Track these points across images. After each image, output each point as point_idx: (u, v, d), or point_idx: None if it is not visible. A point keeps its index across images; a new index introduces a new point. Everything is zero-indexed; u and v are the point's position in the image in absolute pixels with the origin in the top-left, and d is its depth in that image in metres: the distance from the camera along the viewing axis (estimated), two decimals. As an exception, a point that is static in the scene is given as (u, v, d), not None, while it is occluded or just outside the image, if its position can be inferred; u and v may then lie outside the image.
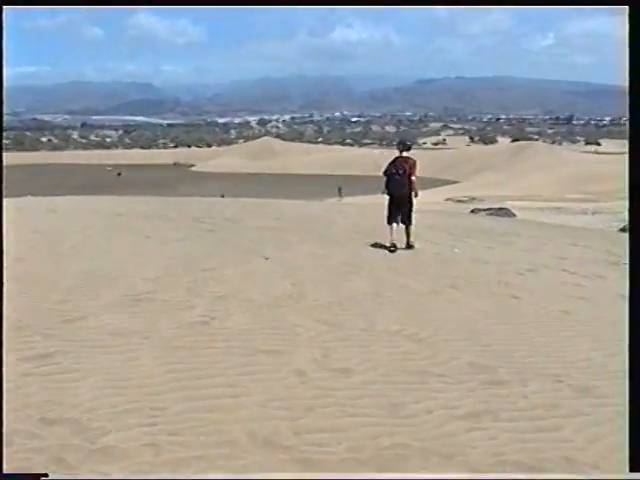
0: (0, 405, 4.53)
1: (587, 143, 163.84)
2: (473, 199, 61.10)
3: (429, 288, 10.04)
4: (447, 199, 61.05)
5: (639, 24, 4.53)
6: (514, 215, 37.68)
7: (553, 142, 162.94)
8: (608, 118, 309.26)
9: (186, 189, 76.52)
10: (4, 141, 5.57)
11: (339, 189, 67.66)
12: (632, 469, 4.43)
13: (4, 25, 4.74)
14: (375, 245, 13.70)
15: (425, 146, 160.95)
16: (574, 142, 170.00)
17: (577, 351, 7.28)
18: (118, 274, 9.98)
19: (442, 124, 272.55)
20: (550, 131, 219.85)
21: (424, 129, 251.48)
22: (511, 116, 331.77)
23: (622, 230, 32.33)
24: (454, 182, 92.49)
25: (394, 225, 13.38)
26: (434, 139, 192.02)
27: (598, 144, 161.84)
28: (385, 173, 13.44)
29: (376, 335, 7.47)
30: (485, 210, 38.89)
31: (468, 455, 4.85)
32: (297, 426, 5.17)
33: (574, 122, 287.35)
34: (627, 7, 4.57)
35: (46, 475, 4.17)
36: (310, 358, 6.60)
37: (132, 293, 8.90)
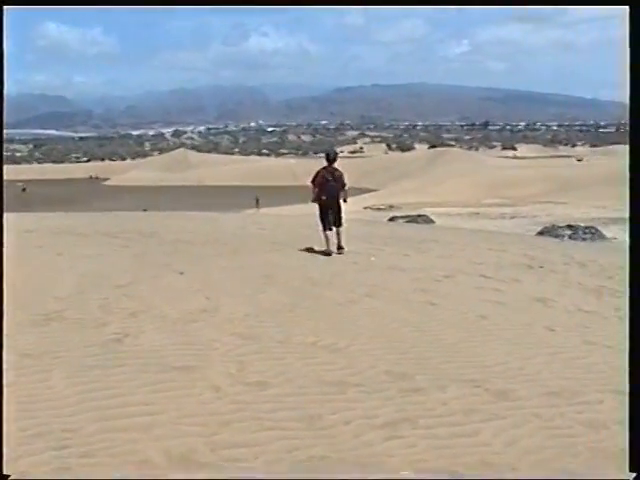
0: (0, 406, 4.60)
1: (503, 148, 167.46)
2: (391, 207, 61.79)
3: (346, 297, 10.10)
4: (365, 207, 61.56)
5: (639, 24, 4.65)
6: (433, 222, 38.22)
7: (470, 148, 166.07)
8: (523, 123, 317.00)
9: (100, 204, 75.52)
10: None
11: (256, 200, 67.63)
12: (632, 469, 4.55)
13: (4, 25, 4.84)
14: (291, 256, 13.75)
15: (342, 155, 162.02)
16: (491, 147, 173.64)
17: (494, 355, 7.42)
18: (28, 293, 9.76)
19: (359, 132, 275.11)
20: (467, 137, 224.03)
21: (341, 137, 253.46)
22: (427, 123, 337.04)
23: (540, 233, 33.15)
24: (372, 190, 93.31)
25: (328, 232, 14.14)
26: (351, 147, 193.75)
27: (514, 149, 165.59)
28: (314, 181, 14.15)
29: (292, 347, 7.48)
30: (403, 217, 39.32)
31: (386, 464, 4.89)
32: (213, 442, 5.14)
33: (490, 128, 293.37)
34: (627, 7, 4.71)
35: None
36: (225, 372, 6.57)
37: (42, 312, 8.71)
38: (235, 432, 5.32)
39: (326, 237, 14.23)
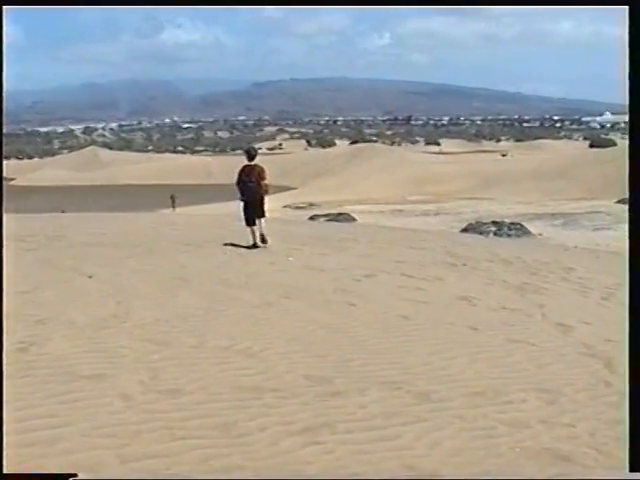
0: (0, 405, 4.68)
1: (427, 143, 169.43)
2: (312, 205, 61.94)
3: (262, 299, 10.09)
4: (285, 206, 61.55)
5: (639, 24, 4.75)
6: (354, 220, 38.46)
7: (392, 143, 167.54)
8: (447, 118, 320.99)
9: (5, 205, 73.66)
10: None
11: (172, 199, 66.90)
12: (632, 469, 4.67)
13: (4, 25, 5.00)
14: (206, 257, 13.67)
15: (261, 152, 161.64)
16: (414, 143, 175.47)
17: (416, 356, 7.50)
18: None
19: (278, 128, 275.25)
20: (389, 132, 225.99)
21: (259, 134, 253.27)
22: (349, 118, 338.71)
23: (464, 230, 33.65)
24: (292, 188, 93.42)
25: (253, 227, 15.07)
26: (270, 144, 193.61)
27: (438, 144, 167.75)
28: (238, 183, 15.20)
29: (207, 352, 7.43)
30: (324, 216, 39.52)
31: (304, 472, 4.89)
32: (124, 454, 5.06)
33: (413, 122, 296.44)
34: (627, 7, 4.81)
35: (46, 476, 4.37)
36: (136, 380, 6.48)
37: None
38: (146, 443, 5.26)
39: (251, 231, 15.07)
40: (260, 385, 6.47)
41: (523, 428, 5.79)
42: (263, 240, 15.03)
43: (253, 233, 15.07)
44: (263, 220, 15.14)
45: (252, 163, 15.23)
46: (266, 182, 15.23)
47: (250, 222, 15.13)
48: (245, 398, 6.17)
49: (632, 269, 4.94)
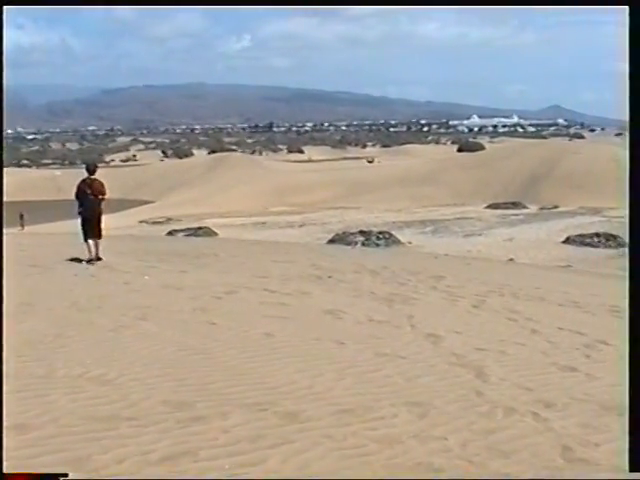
0: (0, 405, 4.20)
1: (290, 151, 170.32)
2: (170, 219, 61.32)
3: (117, 322, 9.93)
4: (141, 221, 60.78)
5: (639, 24, 4.84)
6: (215, 234, 38.35)
7: (253, 152, 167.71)
8: (310, 124, 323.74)
9: None
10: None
11: (21, 216, 64.89)
12: (632, 469, 4.80)
13: (4, 25, 5.21)
14: (54, 279, 13.37)
15: (113, 164, 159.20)
16: (276, 151, 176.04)
17: (281, 375, 7.53)
18: None
19: (131, 138, 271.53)
20: (250, 140, 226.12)
21: (111, 144, 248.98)
22: (207, 126, 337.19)
23: (331, 241, 34.02)
24: (148, 202, 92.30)
25: (90, 241, 15.53)
26: (123, 155, 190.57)
27: (301, 152, 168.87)
28: (77, 195, 15.81)
29: (56, 382, 7.26)
30: (183, 231, 39.25)
31: (164, 504, 4.86)
32: (-36, 500, 4.90)
33: (275, 130, 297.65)
34: (627, 7, 4.90)
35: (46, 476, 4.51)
36: (-23, 418, 6.28)
37: None
38: (-11, 484, 5.10)
39: (87, 246, 15.58)
40: (115, 414, 6.36)
41: (395, 444, 5.89)
42: (98, 259, 15.50)
43: (89, 248, 15.56)
44: (99, 241, 15.71)
45: (92, 177, 15.82)
46: (104, 197, 15.88)
47: (87, 238, 15.65)
48: (99, 429, 6.05)
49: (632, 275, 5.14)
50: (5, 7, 5.16)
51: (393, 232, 36.63)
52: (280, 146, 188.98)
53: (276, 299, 11.86)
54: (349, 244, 31.87)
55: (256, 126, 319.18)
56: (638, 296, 5.13)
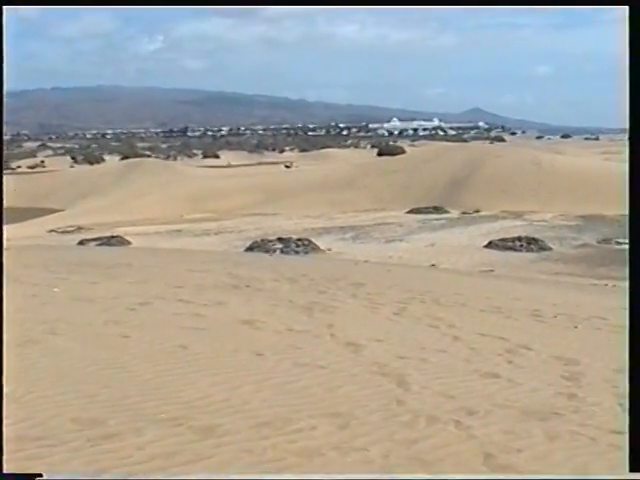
0: (0, 405, 4.27)
1: (205, 156, 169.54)
2: (81, 228, 60.43)
3: (23, 337, 9.74)
4: (50, 230, 59.76)
5: (639, 24, 4.92)
6: (129, 243, 37.94)
7: (168, 157, 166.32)
8: (226, 128, 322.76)
9: None
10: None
11: None
12: (632, 469, 4.90)
13: (4, 25, 5.38)
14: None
15: (20, 170, 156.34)
16: (191, 156, 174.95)
17: (197, 388, 7.49)
18: None
19: (39, 143, 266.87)
20: (164, 145, 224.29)
21: (17, 150, 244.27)
22: (119, 131, 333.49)
23: (249, 249, 33.95)
24: (57, 210, 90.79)
25: None
26: (30, 161, 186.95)
27: (217, 157, 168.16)
28: None
29: (-41, 401, 7.11)
30: (95, 240, 38.75)
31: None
32: None
33: (189, 134, 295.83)
34: (627, 7, 4.98)
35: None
36: None
37: None
38: None
39: None
40: (22, 434, 6.25)
41: (315, 457, 5.91)
42: None
43: None
44: None
45: None
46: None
47: None
48: (6, 450, 5.94)
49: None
50: (5, 7, 5.31)
51: (312, 239, 36.69)
52: (195, 151, 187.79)
53: (191, 310, 11.80)
54: (267, 252, 31.86)
55: (170, 131, 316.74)
56: (638, 296, 5.27)
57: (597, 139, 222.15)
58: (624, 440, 6.49)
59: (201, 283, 14.72)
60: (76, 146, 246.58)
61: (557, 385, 8.37)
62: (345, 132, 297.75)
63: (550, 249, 35.25)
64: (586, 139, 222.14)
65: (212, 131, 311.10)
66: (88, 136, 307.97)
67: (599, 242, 38.13)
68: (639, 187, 5.31)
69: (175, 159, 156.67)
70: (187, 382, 7.72)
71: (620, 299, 18.43)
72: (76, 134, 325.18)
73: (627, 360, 5.28)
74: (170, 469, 5.60)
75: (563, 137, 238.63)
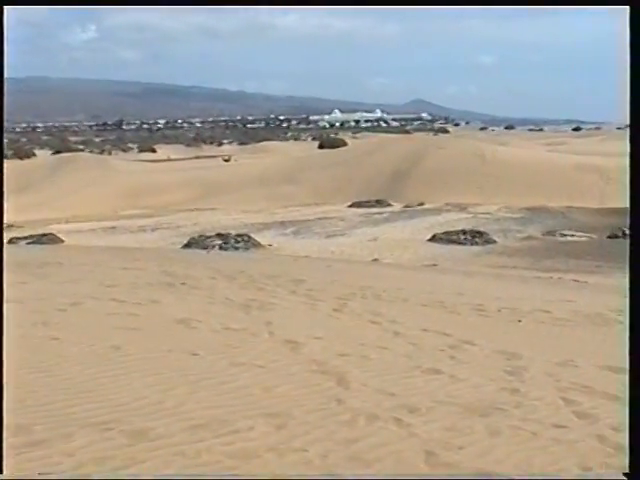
0: (0, 405, 4.16)
1: (141, 150, 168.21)
2: (11, 226, 59.65)
3: (-53, 340, 9.62)
4: (-22, 229, 58.96)
5: (639, 24, 4.96)
6: (61, 241, 37.54)
7: (102, 152, 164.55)
8: (163, 121, 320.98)
9: None
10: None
11: None
12: (632, 469, 4.99)
13: (4, 25, 5.37)
14: None
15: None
16: (126, 150, 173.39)
17: (129, 391, 7.42)
18: None
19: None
20: (98, 139, 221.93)
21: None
22: (50, 124, 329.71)
23: (187, 245, 33.79)
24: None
25: None
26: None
27: (154, 151, 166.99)
28: None
29: None
30: (25, 238, 38.28)
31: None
32: None
33: (124, 127, 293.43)
34: (627, 7, 5.00)
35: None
36: None
37: None
38: None
39: None
40: (-56, 443, 6.15)
41: (251, 459, 5.89)
42: None
43: None
44: None
45: None
46: None
47: None
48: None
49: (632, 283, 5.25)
50: (5, 7, 5.33)
51: (252, 234, 36.62)
52: (131, 145, 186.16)
53: (125, 309, 11.70)
54: (205, 248, 31.72)
55: (104, 124, 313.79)
56: (638, 296, 5.31)
57: (541, 130, 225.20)
58: (565, 434, 6.59)
59: (135, 281, 14.61)
60: (5, 140, 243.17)
61: (500, 380, 8.44)
62: (285, 124, 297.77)
63: (495, 242, 35.59)
64: (530, 130, 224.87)
65: (148, 124, 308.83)
66: (17, 130, 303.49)
67: (544, 234, 38.59)
68: (639, 187, 5.39)
69: (110, 153, 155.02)
70: (119, 384, 7.64)
71: (564, 291, 18.73)
72: (5, 128, 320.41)
73: (627, 360, 5.35)
74: (102, 475, 5.54)
75: (507, 128, 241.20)
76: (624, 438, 6.47)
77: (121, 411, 6.84)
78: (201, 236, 35.68)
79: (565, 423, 6.95)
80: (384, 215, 47.51)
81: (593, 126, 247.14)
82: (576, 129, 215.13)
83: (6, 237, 44.04)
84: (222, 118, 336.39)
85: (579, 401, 7.66)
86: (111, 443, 6.12)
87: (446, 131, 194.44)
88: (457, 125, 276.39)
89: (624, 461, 5.73)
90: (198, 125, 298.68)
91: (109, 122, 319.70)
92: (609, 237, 38.66)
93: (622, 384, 8.41)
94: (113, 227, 48.90)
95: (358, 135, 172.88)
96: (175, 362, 8.59)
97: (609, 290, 19.19)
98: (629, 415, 5.29)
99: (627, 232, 39.21)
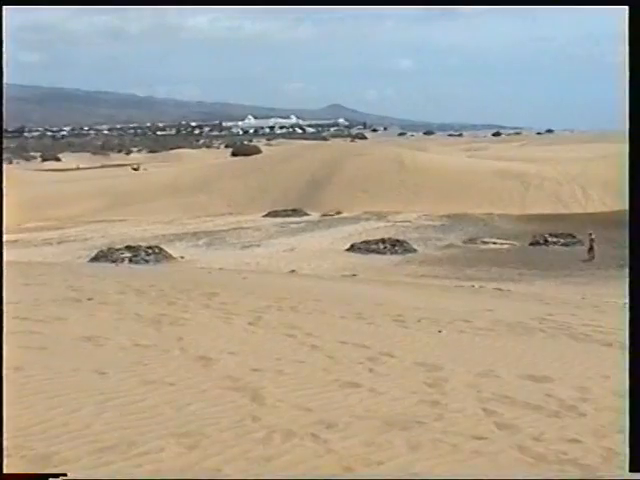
0: (0, 406, 4.03)
1: (44, 159, 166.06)
2: None
3: None
4: None
5: (639, 24, 5.10)
6: (-41, 256, 36.83)
7: (2, 160, 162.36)
8: (67, 128, 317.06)
9: None
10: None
11: None
12: (632, 469, 5.03)
13: (4, 25, 5.66)
14: None
15: None
16: (28, 159, 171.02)
17: (32, 413, 7.28)
18: None
19: None
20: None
21: None
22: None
23: (95, 259, 33.43)
24: None
25: None
26: None
27: (58, 159, 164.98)
28: None
29: None
30: None
31: None
32: None
33: (26, 134, 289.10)
34: (627, 7, 5.14)
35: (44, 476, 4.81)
36: None
37: None
38: None
39: None
40: None
41: (161, 481, 5.85)
42: None
43: None
44: None
45: None
46: None
47: None
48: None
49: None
50: (5, 7, 5.51)
51: (163, 246, 36.47)
52: (33, 153, 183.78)
53: (27, 327, 11.49)
54: (115, 261, 31.49)
55: (5, 131, 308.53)
56: (638, 296, 5.40)
57: (461, 135, 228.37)
58: (486, 445, 6.68)
59: (39, 298, 14.37)
60: None
61: (420, 392, 8.51)
62: (197, 131, 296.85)
63: (415, 251, 35.98)
64: (450, 135, 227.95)
65: (52, 131, 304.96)
66: None
67: (465, 242, 39.15)
68: (639, 187, 5.50)
69: (10, 162, 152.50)
70: (22, 407, 7.48)
71: (485, 300, 18.99)
72: None
73: (627, 359, 5.45)
74: (2, 503, 5.45)
75: (426, 134, 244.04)
76: (546, 448, 6.61)
77: (24, 435, 6.70)
78: (110, 249, 35.41)
79: (486, 434, 7.04)
80: (301, 225, 47.67)
81: (513, 131, 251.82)
82: (496, 134, 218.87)
83: None
84: (131, 125, 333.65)
85: (500, 412, 7.77)
86: (12, 470, 6.00)
87: (364, 137, 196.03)
88: (375, 131, 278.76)
89: (545, 471, 5.84)
90: (105, 132, 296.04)
91: (9, 129, 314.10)
92: (531, 244, 39.41)
93: (543, 393, 8.59)
94: (15, 241, 48.14)
95: (273, 142, 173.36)
96: (81, 382, 8.46)
97: (531, 298, 19.53)
98: (629, 415, 5.41)
99: (548, 239, 40.13)
